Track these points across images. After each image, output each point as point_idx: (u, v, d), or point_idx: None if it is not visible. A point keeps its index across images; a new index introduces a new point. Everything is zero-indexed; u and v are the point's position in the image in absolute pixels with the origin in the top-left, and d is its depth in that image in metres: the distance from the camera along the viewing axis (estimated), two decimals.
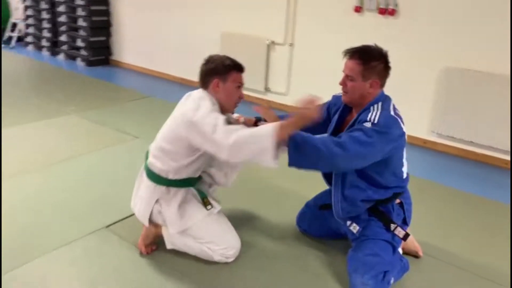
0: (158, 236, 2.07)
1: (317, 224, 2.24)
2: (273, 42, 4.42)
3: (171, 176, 1.94)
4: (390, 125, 1.81)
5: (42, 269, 1.95)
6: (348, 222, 2.01)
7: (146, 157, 2.05)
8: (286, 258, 2.13)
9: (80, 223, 2.31)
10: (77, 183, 2.75)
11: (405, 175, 2.00)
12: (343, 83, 1.95)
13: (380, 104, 1.87)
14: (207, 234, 1.99)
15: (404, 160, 1.99)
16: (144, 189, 2.02)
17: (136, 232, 2.16)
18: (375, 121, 1.79)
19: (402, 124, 1.87)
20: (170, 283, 1.90)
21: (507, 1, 3.12)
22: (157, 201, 1.98)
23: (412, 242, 2.16)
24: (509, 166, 3.38)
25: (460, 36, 3.38)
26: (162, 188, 1.96)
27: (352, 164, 1.82)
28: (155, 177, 1.97)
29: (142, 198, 2.02)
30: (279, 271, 2.03)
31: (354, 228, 2.00)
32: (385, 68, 1.90)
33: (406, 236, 1.95)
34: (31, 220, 2.32)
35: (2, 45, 7.08)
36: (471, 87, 3.39)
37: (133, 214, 2.35)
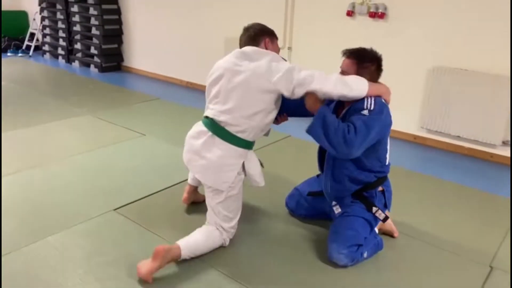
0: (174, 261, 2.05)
1: (304, 205, 2.48)
2: None
3: (250, 138, 2.06)
4: (384, 111, 2.03)
5: (57, 243, 2.22)
6: (333, 203, 2.24)
7: (209, 123, 2.07)
8: (273, 235, 2.36)
9: (92, 205, 2.59)
10: (90, 173, 3.04)
11: (387, 162, 2.22)
12: None
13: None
14: (240, 207, 2.18)
15: (388, 147, 2.21)
16: (226, 153, 2.03)
17: (141, 215, 2.43)
18: (371, 108, 2.00)
19: (390, 114, 2.09)
20: (175, 266, 2.14)
21: (489, 4, 3.33)
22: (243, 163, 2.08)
23: (390, 224, 2.37)
24: (494, 159, 3.56)
25: (447, 37, 3.58)
26: (246, 150, 2.08)
27: (359, 151, 1.97)
28: (238, 141, 2.03)
29: (223, 165, 2.04)
30: (266, 246, 2.27)
31: (337, 209, 2.23)
32: (377, 69, 2.15)
33: (386, 218, 2.17)
34: (50, 202, 2.61)
35: (21, 54, 7.49)
36: (458, 85, 3.58)
37: (139, 199, 2.64)
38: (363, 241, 2.12)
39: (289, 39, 4.55)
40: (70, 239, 2.26)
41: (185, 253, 2.02)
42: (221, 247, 2.19)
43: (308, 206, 2.47)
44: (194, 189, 2.57)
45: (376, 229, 2.28)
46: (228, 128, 2.03)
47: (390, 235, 2.40)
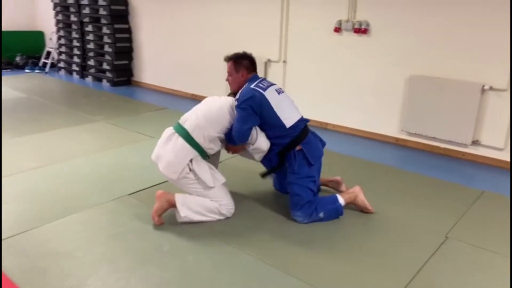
0: (171, 207, 2.60)
1: (279, 183, 2.99)
2: (269, 60, 5.15)
3: (205, 145, 2.58)
4: (246, 95, 2.56)
5: (82, 218, 2.66)
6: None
7: (178, 125, 2.62)
8: (262, 208, 2.79)
9: (109, 191, 3.03)
10: (107, 167, 3.49)
11: (289, 125, 2.62)
12: (227, 80, 2.80)
13: (246, 84, 2.65)
14: (222, 195, 2.64)
15: (283, 114, 2.62)
16: (179, 147, 2.53)
17: (150, 199, 2.85)
18: (237, 98, 2.60)
19: (261, 91, 2.57)
20: (179, 232, 2.57)
21: (458, 20, 3.79)
22: (190, 160, 2.53)
23: (362, 200, 2.78)
24: (465, 157, 3.97)
25: (421, 49, 4.03)
26: (195, 151, 2.55)
27: (242, 136, 2.58)
28: (192, 141, 2.54)
29: (175, 154, 2.52)
30: (257, 217, 2.69)
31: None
32: (251, 63, 2.75)
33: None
34: (74, 189, 3.06)
35: (38, 71, 8.04)
36: (433, 91, 4.00)
37: (148, 187, 3.07)
38: (309, 199, 2.61)
39: (284, 54, 5.03)
40: (92, 216, 2.70)
41: (178, 201, 2.55)
42: (221, 221, 2.63)
43: (281, 183, 2.96)
44: None
45: (342, 201, 2.70)
46: (190, 132, 2.67)
47: (364, 211, 2.80)
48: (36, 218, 2.63)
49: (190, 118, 2.62)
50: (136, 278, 2.10)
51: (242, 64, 2.72)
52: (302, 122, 2.72)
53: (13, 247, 2.32)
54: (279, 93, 2.68)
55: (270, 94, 2.61)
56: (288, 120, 2.64)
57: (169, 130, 2.67)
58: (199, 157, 2.59)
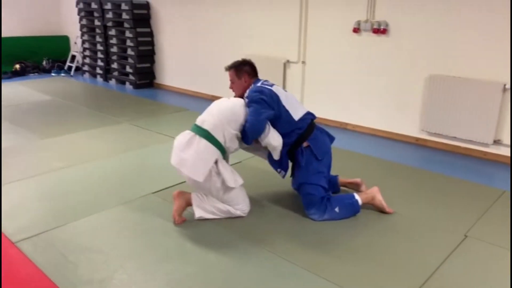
0: (189, 205, 2.70)
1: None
2: (288, 61, 5.21)
3: (225, 144, 2.63)
4: (255, 91, 2.68)
5: (111, 215, 2.78)
6: (279, 169, 2.86)
7: (197, 127, 2.65)
8: (280, 207, 2.85)
9: (134, 190, 3.14)
10: (131, 166, 3.62)
11: (297, 118, 2.73)
12: (231, 87, 2.90)
13: (251, 87, 2.79)
14: (240, 198, 2.72)
15: (291, 107, 2.73)
16: (202, 148, 2.55)
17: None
18: (247, 96, 2.74)
19: (269, 87, 2.71)
20: (201, 230, 2.66)
21: (478, 19, 3.77)
22: (215, 161, 2.58)
23: (380, 201, 2.80)
24: (487, 156, 3.94)
25: (441, 48, 4.02)
26: (218, 151, 2.60)
27: (259, 129, 2.65)
28: (214, 140, 2.59)
29: (200, 156, 2.54)
30: (276, 216, 2.75)
31: (280, 173, 2.86)
32: (251, 68, 2.86)
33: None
34: (102, 187, 3.19)
35: (63, 74, 8.30)
36: (453, 91, 3.99)
37: (172, 186, 3.16)
38: (321, 195, 2.67)
39: (303, 55, 5.08)
40: (118, 214, 2.81)
41: (195, 203, 2.66)
42: (241, 220, 2.71)
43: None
44: None
45: (359, 200, 2.73)
46: (212, 132, 2.74)
47: (382, 211, 2.83)
48: (65, 215, 2.76)
49: (207, 119, 2.65)
50: (160, 272, 2.19)
51: (243, 70, 2.83)
52: (309, 116, 2.81)
53: (45, 242, 2.45)
54: (285, 90, 2.84)
55: (277, 89, 2.74)
56: (297, 112, 2.75)
57: (187, 133, 2.67)
58: (221, 157, 2.65)
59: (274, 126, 2.71)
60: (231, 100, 2.76)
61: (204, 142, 2.58)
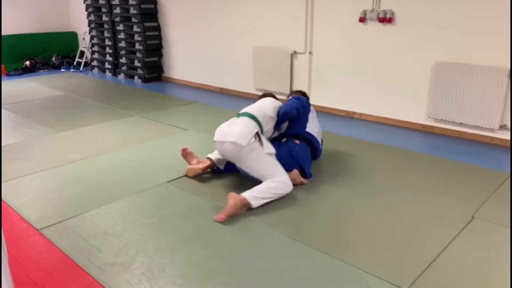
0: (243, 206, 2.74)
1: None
2: (295, 52, 5.28)
3: (264, 124, 3.05)
4: (298, 99, 3.35)
5: (127, 203, 2.88)
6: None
7: (239, 113, 3.08)
8: (293, 200, 2.95)
9: (150, 179, 3.24)
10: (145, 157, 3.73)
11: (307, 130, 3.30)
12: None
13: None
14: (277, 168, 2.93)
15: (310, 125, 3.35)
16: (246, 122, 2.94)
17: (189, 185, 3.05)
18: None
19: (309, 102, 3.49)
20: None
21: (483, 6, 3.81)
22: (256, 132, 2.91)
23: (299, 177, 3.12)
24: (493, 142, 3.99)
25: (447, 35, 4.08)
26: (258, 127, 2.97)
27: (290, 112, 3.23)
28: (256, 119, 3.00)
29: (244, 128, 2.90)
30: (287, 200, 2.85)
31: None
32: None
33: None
34: (118, 177, 3.30)
35: (72, 70, 8.42)
36: (459, 77, 4.04)
37: (185, 175, 3.26)
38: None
39: (309, 45, 5.14)
40: (136, 201, 2.92)
41: (250, 200, 2.70)
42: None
43: None
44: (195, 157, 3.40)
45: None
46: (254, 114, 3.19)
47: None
48: (85, 204, 2.87)
49: (247, 109, 3.12)
50: (179, 255, 2.29)
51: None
52: (316, 140, 3.30)
53: (68, 228, 2.56)
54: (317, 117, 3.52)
55: (312, 107, 3.48)
56: (310, 128, 3.31)
57: (228, 121, 3.06)
58: (261, 132, 3.00)
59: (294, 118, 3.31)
60: (265, 98, 3.37)
61: (246, 118, 3.00)
